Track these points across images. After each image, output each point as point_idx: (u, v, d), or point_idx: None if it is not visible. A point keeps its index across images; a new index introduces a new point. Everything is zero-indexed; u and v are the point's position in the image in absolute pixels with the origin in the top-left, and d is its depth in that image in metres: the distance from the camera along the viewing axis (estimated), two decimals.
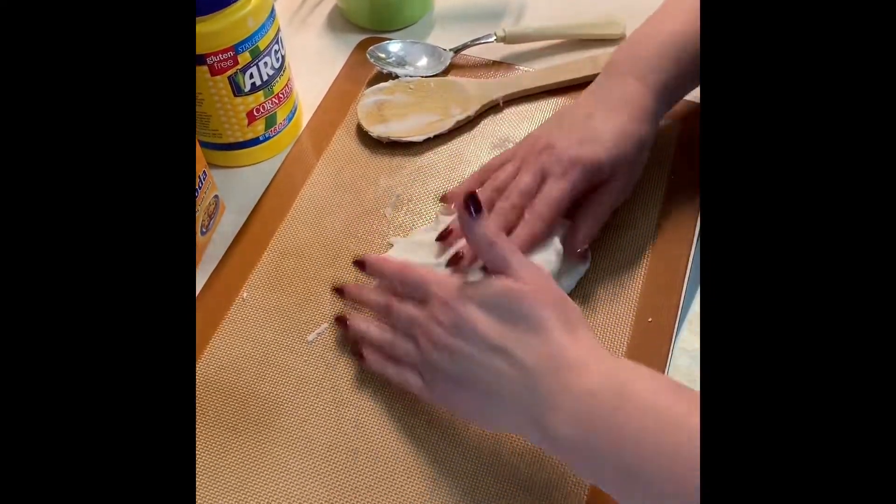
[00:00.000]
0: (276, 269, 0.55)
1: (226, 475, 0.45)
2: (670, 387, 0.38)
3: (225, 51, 0.53)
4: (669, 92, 0.53)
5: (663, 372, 0.49)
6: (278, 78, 0.58)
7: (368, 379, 0.49)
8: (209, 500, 0.44)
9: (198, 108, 0.57)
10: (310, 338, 0.51)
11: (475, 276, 0.45)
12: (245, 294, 0.53)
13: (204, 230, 0.55)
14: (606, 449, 0.37)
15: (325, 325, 0.51)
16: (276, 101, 0.59)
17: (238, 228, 0.57)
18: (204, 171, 0.53)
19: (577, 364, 0.39)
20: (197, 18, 0.51)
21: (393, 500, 0.44)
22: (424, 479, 0.45)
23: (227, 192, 0.59)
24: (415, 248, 0.54)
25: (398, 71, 0.66)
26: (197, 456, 0.46)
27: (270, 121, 0.60)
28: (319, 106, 0.65)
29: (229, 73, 0.54)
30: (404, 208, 0.58)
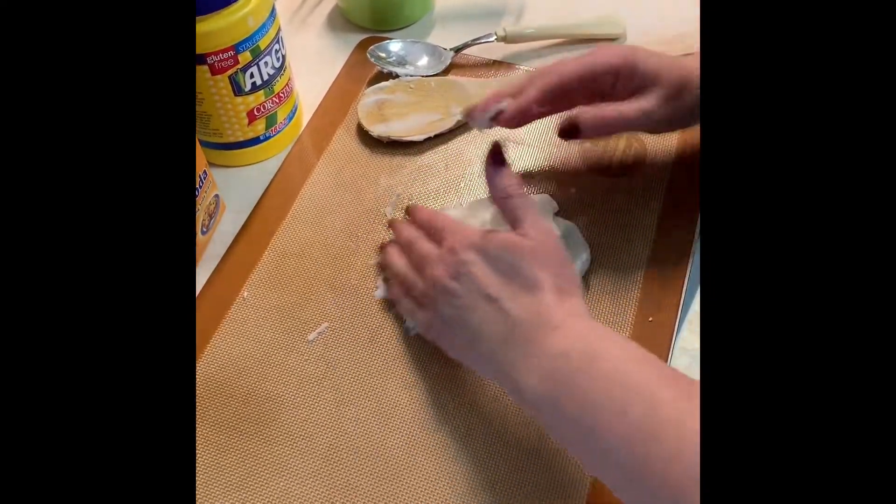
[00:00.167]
0: (277, 268, 0.55)
1: (226, 474, 0.45)
2: (639, 356, 0.39)
3: (225, 50, 0.53)
4: None
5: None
6: (279, 77, 0.58)
7: (368, 378, 0.49)
8: (210, 499, 0.45)
9: (198, 108, 0.57)
10: (310, 337, 0.51)
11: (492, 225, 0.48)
12: (245, 293, 0.53)
13: (204, 229, 0.55)
14: (569, 409, 0.38)
15: (326, 324, 0.51)
16: (277, 101, 0.59)
17: (238, 228, 0.57)
18: (204, 171, 0.53)
19: (558, 325, 0.41)
20: (197, 18, 0.51)
21: (393, 499, 0.44)
22: (425, 479, 0.45)
23: (228, 191, 0.59)
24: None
25: (398, 70, 0.66)
26: (197, 455, 0.46)
27: (271, 120, 0.60)
28: (320, 105, 0.65)
29: (230, 72, 0.54)
30: (404, 207, 0.58)
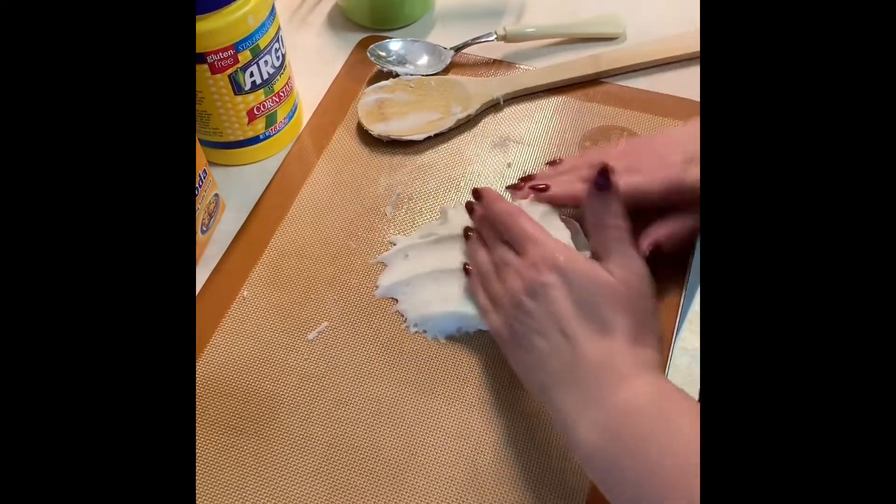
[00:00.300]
0: (277, 267, 0.55)
1: (226, 473, 0.45)
2: None
3: (225, 49, 0.53)
4: None
5: (664, 371, 0.49)
6: (279, 76, 0.58)
7: (369, 377, 0.49)
8: (210, 498, 0.45)
9: (198, 107, 0.57)
10: (310, 336, 0.51)
11: (569, 239, 0.48)
12: (245, 292, 0.53)
13: (204, 229, 0.55)
14: (630, 474, 0.36)
15: (326, 323, 0.51)
16: (277, 100, 0.59)
17: (238, 227, 0.57)
18: (204, 170, 0.53)
19: (626, 375, 0.39)
20: (197, 16, 0.51)
21: (392, 498, 0.44)
22: (424, 478, 0.45)
23: (228, 190, 0.59)
24: (419, 246, 0.54)
25: (399, 69, 0.66)
26: (197, 454, 0.46)
27: (271, 119, 0.60)
28: (320, 104, 0.65)
29: (229, 71, 0.54)
30: (405, 207, 0.58)
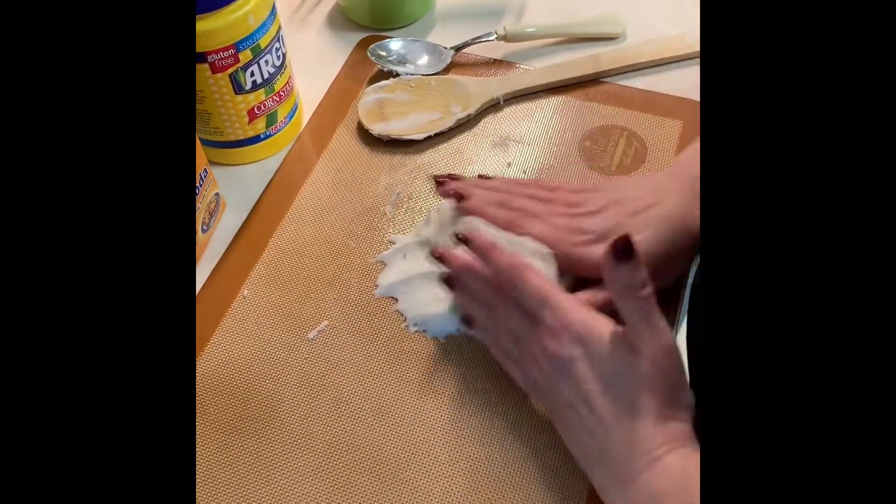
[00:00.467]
0: (277, 266, 0.55)
1: (226, 472, 0.46)
2: None
3: (226, 48, 0.53)
4: None
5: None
6: (279, 76, 0.58)
7: (369, 376, 0.49)
8: (210, 497, 0.45)
9: (199, 106, 0.57)
10: (310, 335, 0.51)
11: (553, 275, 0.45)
12: (246, 292, 0.53)
13: (205, 228, 0.55)
14: None
15: (326, 322, 0.52)
16: (277, 99, 0.59)
17: (239, 226, 0.57)
18: (205, 169, 0.53)
19: (656, 457, 0.38)
20: (198, 16, 0.51)
21: (392, 497, 0.44)
22: (424, 477, 0.45)
23: (228, 189, 0.59)
24: (416, 245, 0.54)
25: (399, 69, 0.66)
26: (198, 453, 0.46)
27: (271, 119, 0.60)
28: (320, 104, 0.65)
29: (230, 70, 0.54)
30: (404, 206, 0.58)
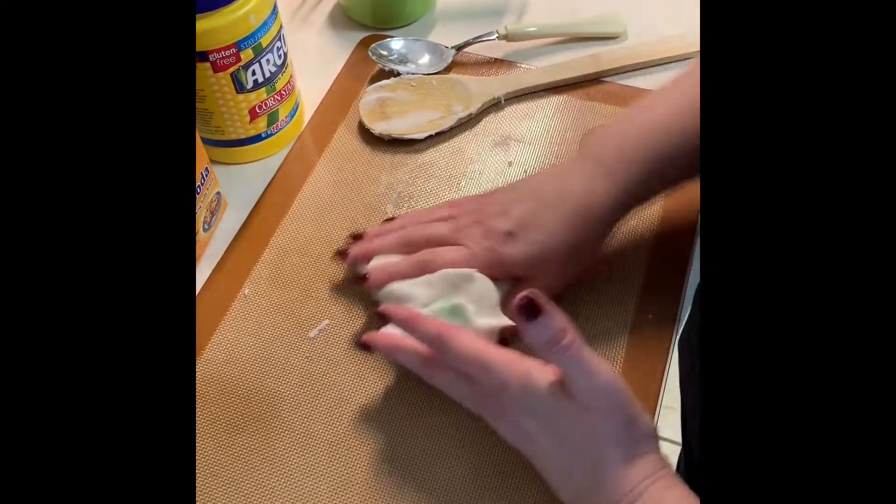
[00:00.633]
0: (278, 265, 0.55)
1: (227, 470, 0.46)
2: None
3: (227, 47, 0.53)
4: (637, 193, 0.48)
5: (664, 368, 0.49)
6: (280, 75, 0.58)
7: (370, 375, 0.49)
8: (211, 496, 0.45)
9: (200, 105, 0.57)
10: (311, 334, 0.51)
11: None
12: (247, 290, 0.54)
13: (206, 226, 0.55)
14: None
15: (327, 321, 0.52)
16: (279, 98, 0.59)
17: (240, 225, 0.57)
18: (206, 168, 0.54)
19: (628, 499, 0.37)
20: (199, 15, 0.51)
21: (393, 496, 0.45)
22: (424, 476, 0.45)
23: (230, 188, 0.59)
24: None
25: (400, 68, 0.66)
26: (199, 452, 0.46)
27: (272, 118, 0.60)
28: (321, 103, 0.65)
29: (232, 69, 0.54)
30: (405, 205, 0.58)
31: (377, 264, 0.50)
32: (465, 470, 0.45)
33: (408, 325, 0.44)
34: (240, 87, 0.56)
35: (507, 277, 0.48)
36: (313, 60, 0.68)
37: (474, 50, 0.68)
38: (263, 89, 0.57)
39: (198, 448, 0.46)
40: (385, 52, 0.66)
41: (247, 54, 0.54)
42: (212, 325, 0.52)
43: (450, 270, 0.47)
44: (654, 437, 0.39)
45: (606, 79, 0.65)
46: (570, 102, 0.64)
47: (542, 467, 0.41)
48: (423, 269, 0.48)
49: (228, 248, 0.56)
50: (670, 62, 0.66)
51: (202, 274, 0.55)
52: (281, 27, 0.57)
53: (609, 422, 0.38)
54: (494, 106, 0.64)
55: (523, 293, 0.37)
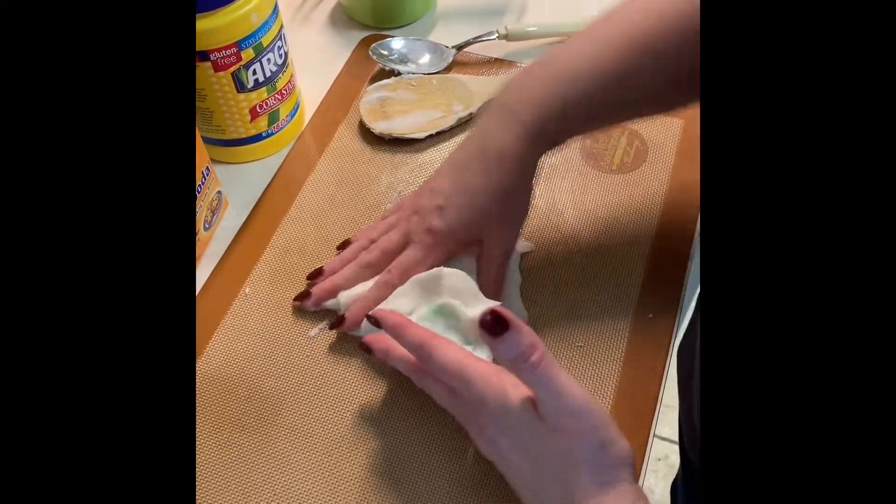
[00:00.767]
0: (279, 264, 0.55)
1: (228, 469, 0.46)
2: None
3: (228, 47, 0.53)
4: (552, 134, 0.48)
5: (664, 369, 0.49)
6: (281, 74, 0.58)
7: (371, 374, 0.49)
8: (211, 495, 0.45)
9: (201, 104, 0.57)
10: (312, 333, 0.51)
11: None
12: (247, 289, 0.54)
13: (207, 226, 0.56)
14: None
15: (327, 320, 0.52)
16: (279, 98, 0.59)
17: (241, 224, 0.57)
18: (207, 167, 0.54)
19: None
20: (200, 14, 0.51)
21: (394, 495, 0.45)
22: (425, 475, 0.45)
23: (230, 187, 0.59)
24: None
25: (400, 68, 0.66)
26: (199, 451, 0.46)
27: (273, 117, 0.60)
28: (322, 102, 0.65)
29: (232, 69, 0.54)
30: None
31: (349, 303, 0.50)
32: (466, 468, 0.45)
33: (396, 332, 0.44)
34: (240, 87, 0.56)
35: (463, 251, 0.50)
36: (314, 60, 0.68)
37: (475, 50, 0.68)
38: (264, 89, 0.57)
39: (198, 447, 0.46)
40: (385, 52, 0.67)
41: (247, 54, 0.54)
42: (212, 323, 0.52)
43: (418, 276, 0.48)
44: (629, 465, 0.38)
45: None
46: None
47: (514, 485, 0.41)
48: (390, 286, 0.49)
49: (229, 247, 0.56)
50: None
51: (203, 273, 0.55)
52: (282, 27, 0.57)
53: (579, 445, 0.37)
54: None
55: (488, 308, 0.37)
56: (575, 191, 0.58)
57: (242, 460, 0.46)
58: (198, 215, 0.53)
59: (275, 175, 0.60)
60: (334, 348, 0.51)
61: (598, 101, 0.47)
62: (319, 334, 0.51)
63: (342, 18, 0.73)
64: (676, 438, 0.74)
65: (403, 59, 0.67)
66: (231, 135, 0.59)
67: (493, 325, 0.37)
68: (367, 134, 0.62)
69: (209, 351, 0.51)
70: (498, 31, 0.67)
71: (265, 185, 0.60)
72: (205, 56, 0.53)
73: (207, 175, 0.54)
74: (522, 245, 0.54)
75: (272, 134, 0.61)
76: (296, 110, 0.62)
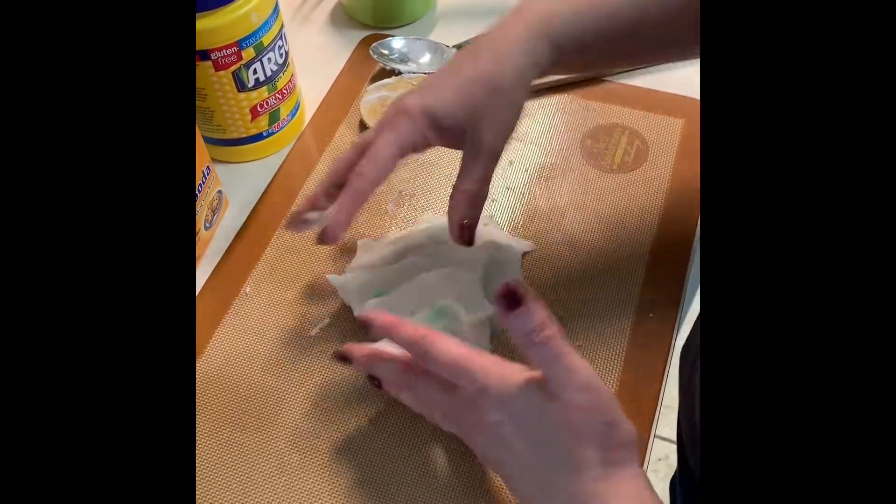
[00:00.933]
0: (279, 263, 0.55)
1: (228, 469, 0.46)
2: None
3: (229, 46, 0.53)
4: (555, 38, 0.45)
5: (665, 368, 0.49)
6: (282, 74, 0.58)
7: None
8: (212, 494, 0.45)
9: (202, 104, 0.57)
10: (312, 332, 0.51)
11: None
12: (248, 289, 0.54)
13: (207, 225, 0.56)
14: None
15: (327, 319, 0.52)
16: (280, 97, 0.59)
17: (241, 223, 0.57)
18: (207, 167, 0.54)
19: None
20: (201, 14, 0.51)
21: (394, 495, 0.45)
22: (426, 474, 0.45)
23: (231, 187, 0.59)
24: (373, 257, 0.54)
25: (401, 67, 0.66)
26: (200, 450, 0.46)
27: (274, 116, 0.60)
28: (322, 102, 0.65)
29: (233, 68, 0.54)
30: (406, 204, 0.58)
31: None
32: (467, 467, 0.45)
33: (389, 330, 0.42)
34: (241, 86, 0.56)
35: (444, 141, 0.46)
36: (314, 59, 0.68)
37: None
38: (265, 88, 0.57)
39: (199, 446, 0.46)
40: (386, 52, 0.67)
41: (248, 53, 0.54)
42: (213, 323, 0.52)
43: (425, 276, 0.47)
44: (636, 448, 0.37)
45: (607, 78, 0.65)
46: (571, 102, 0.64)
47: (512, 477, 0.39)
48: (365, 182, 0.45)
49: (230, 246, 0.56)
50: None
51: (203, 272, 0.55)
52: (282, 26, 0.57)
53: (588, 421, 0.36)
54: None
55: (504, 281, 0.36)
56: (575, 190, 0.58)
57: (243, 459, 0.46)
58: (198, 215, 0.53)
59: (275, 174, 0.60)
60: (335, 347, 0.50)
61: (604, 28, 0.45)
62: (319, 333, 0.51)
63: (342, 18, 0.73)
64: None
65: (404, 59, 0.67)
66: (232, 134, 0.59)
67: (508, 299, 0.36)
68: None
69: (210, 350, 0.51)
70: None
71: (266, 185, 0.60)
72: (205, 55, 0.53)
73: (208, 174, 0.54)
74: (523, 244, 0.54)
75: (273, 133, 0.61)
76: (296, 110, 0.62)
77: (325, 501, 0.45)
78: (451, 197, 0.46)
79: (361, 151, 0.46)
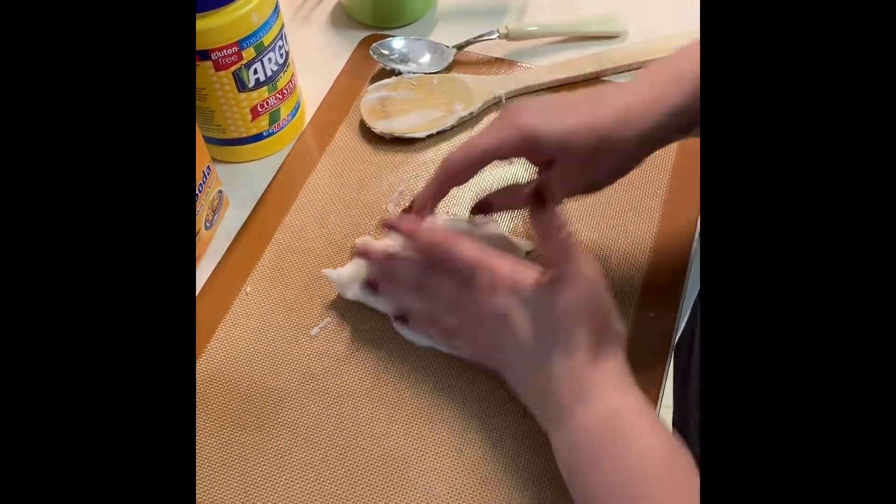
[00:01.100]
0: (279, 263, 0.55)
1: (229, 468, 0.46)
2: (664, 454, 0.38)
3: (229, 46, 0.53)
4: (680, 114, 0.43)
5: (664, 368, 0.49)
6: (282, 74, 0.58)
7: (372, 372, 0.49)
8: (212, 493, 0.45)
9: (202, 104, 0.57)
10: (313, 331, 0.51)
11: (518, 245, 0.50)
12: (248, 288, 0.54)
13: (208, 225, 0.56)
14: (582, 480, 0.40)
15: (328, 318, 0.52)
16: (280, 97, 0.59)
17: (242, 223, 0.58)
18: (208, 167, 0.54)
19: (588, 394, 0.40)
20: (201, 14, 0.51)
21: (395, 493, 0.45)
22: (426, 473, 0.45)
23: (231, 187, 0.59)
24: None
25: (401, 67, 0.66)
26: (200, 450, 0.46)
27: (274, 116, 0.60)
28: (323, 102, 0.65)
29: (234, 68, 0.55)
30: (406, 204, 0.58)
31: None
32: (468, 466, 0.45)
33: (414, 233, 0.47)
34: (241, 86, 0.56)
35: (539, 162, 0.46)
36: (315, 59, 0.68)
37: (475, 49, 0.68)
38: (265, 88, 0.57)
39: (199, 445, 0.46)
40: (386, 52, 0.67)
41: (248, 53, 0.54)
42: (213, 322, 0.52)
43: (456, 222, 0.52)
44: (622, 344, 0.43)
45: (607, 78, 0.65)
46: None
47: (509, 363, 0.44)
48: (450, 170, 0.46)
49: (230, 246, 0.56)
50: None
51: (204, 272, 0.55)
52: (282, 26, 0.57)
53: (586, 310, 0.41)
54: (495, 105, 0.64)
55: (536, 181, 0.42)
56: None
57: (243, 458, 0.46)
58: (199, 214, 0.53)
59: (276, 174, 0.60)
60: (335, 347, 0.51)
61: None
62: (320, 333, 0.51)
63: (343, 18, 0.73)
64: None
65: (404, 59, 0.67)
66: (232, 134, 0.59)
67: (537, 198, 0.42)
68: (367, 133, 0.62)
69: (210, 350, 0.51)
70: (498, 31, 0.67)
71: (266, 185, 0.60)
72: (205, 55, 0.53)
73: (208, 174, 0.54)
74: (523, 244, 0.54)
75: (273, 133, 0.61)
76: (296, 110, 0.62)
77: (326, 501, 0.45)
78: (524, 193, 0.47)
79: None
